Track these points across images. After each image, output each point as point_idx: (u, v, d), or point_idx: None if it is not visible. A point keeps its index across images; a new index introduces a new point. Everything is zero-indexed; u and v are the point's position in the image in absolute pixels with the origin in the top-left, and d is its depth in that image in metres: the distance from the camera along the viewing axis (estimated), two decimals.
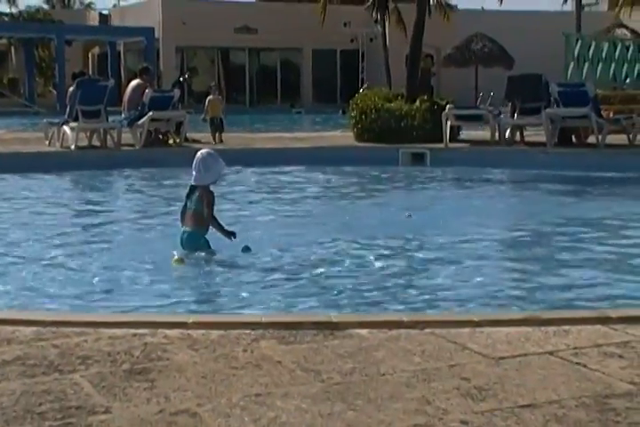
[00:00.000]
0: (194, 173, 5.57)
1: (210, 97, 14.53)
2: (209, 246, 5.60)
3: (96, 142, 13.01)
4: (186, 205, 5.67)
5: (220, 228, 5.67)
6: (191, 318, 3.41)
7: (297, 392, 2.65)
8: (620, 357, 3.00)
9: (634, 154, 11.87)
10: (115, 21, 37.63)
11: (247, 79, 36.62)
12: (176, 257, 5.24)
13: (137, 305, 4.43)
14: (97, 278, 5.04)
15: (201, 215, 5.53)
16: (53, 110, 24.71)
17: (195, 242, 5.55)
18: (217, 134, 13.92)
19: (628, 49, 18.01)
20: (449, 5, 30.81)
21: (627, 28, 29.15)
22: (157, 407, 2.53)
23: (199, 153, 5.62)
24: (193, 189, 5.62)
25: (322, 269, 5.31)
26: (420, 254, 5.96)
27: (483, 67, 28.34)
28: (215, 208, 5.70)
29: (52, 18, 37.75)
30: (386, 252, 5.95)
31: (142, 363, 2.92)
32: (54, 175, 11.02)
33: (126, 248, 6.02)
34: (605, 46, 17.30)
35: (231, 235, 5.67)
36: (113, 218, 7.76)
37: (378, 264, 5.52)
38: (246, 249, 5.61)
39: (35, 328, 3.30)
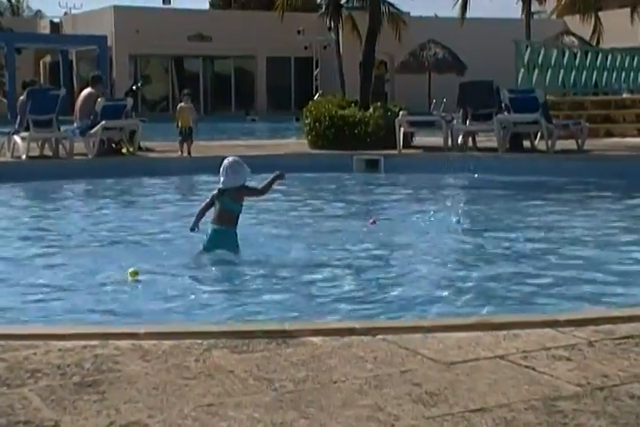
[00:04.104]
0: (222, 178, 5.98)
1: (181, 104, 13.41)
2: (237, 242, 5.97)
3: (48, 152, 12.85)
4: (212, 206, 6.00)
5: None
6: (142, 329, 3.38)
7: (249, 402, 2.65)
8: (568, 359, 3.05)
9: (582, 159, 12.09)
10: (66, 30, 37.23)
11: (201, 87, 36.49)
12: (131, 269, 5.21)
13: (89, 317, 4.39)
14: (47, 291, 4.97)
15: (234, 215, 5.98)
16: (4, 120, 24.30)
17: (231, 240, 5.92)
18: (184, 145, 12.90)
19: (575, 56, 18.36)
20: (400, 17, 31.05)
21: (574, 35, 29.71)
22: (108, 420, 2.50)
23: (226, 160, 6.06)
24: (222, 192, 6.00)
25: (277, 277, 5.32)
26: (375, 261, 6.00)
27: (436, 73, 28.65)
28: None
29: (2, 26, 37.21)
30: (341, 259, 5.97)
31: (93, 375, 2.89)
32: (5, 186, 10.85)
33: (78, 260, 5.95)
34: (554, 53, 17.61)
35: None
36: (65, 230, 7.67)
37: (332, 272, 5.53)
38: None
39: None
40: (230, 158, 6.05)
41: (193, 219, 6.05)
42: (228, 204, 5.96)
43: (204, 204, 6.09)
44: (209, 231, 5.98)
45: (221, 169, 5.97)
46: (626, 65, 19.61)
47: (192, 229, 6.03)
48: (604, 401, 2.64)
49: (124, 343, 3.23)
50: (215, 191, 6.04)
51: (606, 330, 3.40)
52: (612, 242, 6.71)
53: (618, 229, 7.37)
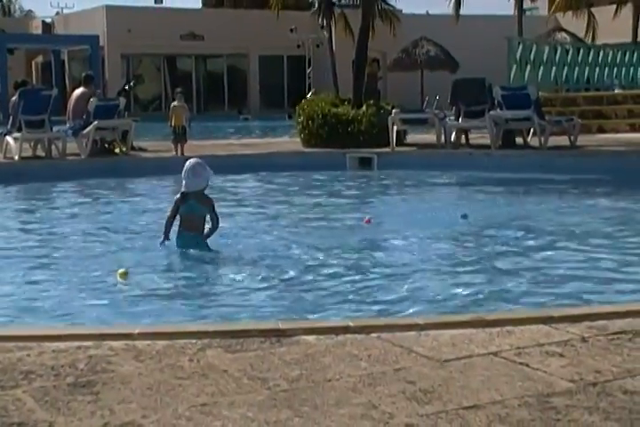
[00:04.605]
0: (184, 181, 5.88)
1: (174, 103, 13.40)
2: (209, 248, 5.91)
3: (40, 153, 12.83)
4: (177, 212, 5.93)
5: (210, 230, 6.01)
6: (137, 329, 3.38)
7: (243, 401, 2.65)
8: (561, 355, 3.06)
9: (575, 155, 12.11)
10: (58, 29, 37.12)
11: (194, 86, 36.41)
12: (121, 270, 5.21)
13: (82, 318, 4.39)
14: (40, 293, 4.97)
15: (202, 219, 5.90)
16: None
17: (200, 244, 5.86)
18: (178, 145, 12.88)
19: (567, 52, 18.39)
20: (394, 14, 31.02)
21: (566, 31, 29.74)
22: (102, 421, 2.50)
23: (188, 162, 5.97)
24: (185, 195, 5.91)
25: (271, 276, 5.33)
26: (368, 259, 6.01)
27: (428, 71, 28.64)
28: None
29: None
30: (335, 257, 5.98)
31: (87, 376, 2.89)
32: None
33: (69, 260, 5.94)
34: (546, 50, 17.64)
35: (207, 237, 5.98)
36: (57, 230, 7.65)
37: (326, 270, 5.54)
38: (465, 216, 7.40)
39: None
40: (192, 160, 5.98)
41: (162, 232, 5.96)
42: (197, 207, 5.87)
43: (169, 213, 5.96)
44: (178, 239, 5.89)
45: (183, 172, 5.87)
46: (617, 61, 19.66)
47: (162, 243, 5.92)
48: (597, 397, 2.65)
49: (117, 344, 3.23)
50: (178, 196, 5.93)
51: (600, 326, 3.41)
52: (606, 237, 6.73)
53: (611, 225, 7.39)
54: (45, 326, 4.14)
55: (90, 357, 3.09)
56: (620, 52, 19.81)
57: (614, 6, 28.27)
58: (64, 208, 9.51)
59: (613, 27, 25.94)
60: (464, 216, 7.60)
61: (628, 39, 24.55)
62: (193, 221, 5.89)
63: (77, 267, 5.65)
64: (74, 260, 5.96)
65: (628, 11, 25.97)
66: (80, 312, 4.53)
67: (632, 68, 20.32)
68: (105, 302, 4.74)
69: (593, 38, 28.82)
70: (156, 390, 2.74)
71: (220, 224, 6.11)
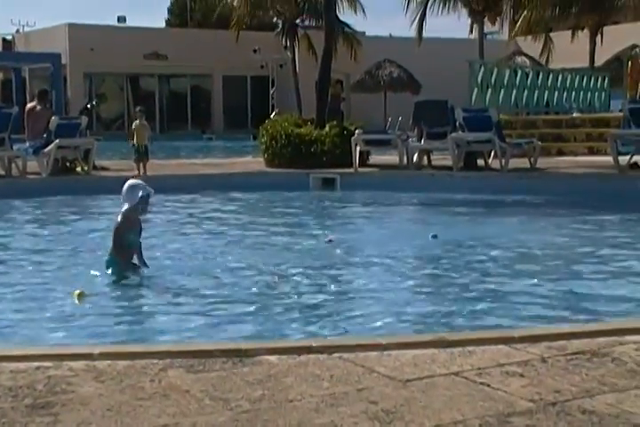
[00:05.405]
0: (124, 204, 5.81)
1: (136, 122, 13.52)
2: (117, 273, 5.72)
3: (0, 171, 12.68)
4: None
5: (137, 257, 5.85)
6: (97, 349, 3.35)
7: (205, 421, 2.63)
8: (522, 375, 3.09)
9: (535, 177, 12.28)
10: (19, 47, 36.85)
11: (157, 106, 36.35)
12: (77, 291, 5.15)
13: (42, 339, 4.33)
14: None
15: (121, 243, 5.75)
16: None
17: (108, 266, 5.77)
18: (141, 163, 13.03)
19: (527, 76, 18.70)
20: (355, 37, 31.36)
21: (526, 55, 30.25)
22: None
23: (125, 184, 5.83)
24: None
25: (233, 296, 5.31)
26: (331, 279, 6.01)
27: (391, 92, 28.92)
28: (137, 234, 5.85)
29: None
30: (298, 277, 5.98)
31: (45, 397, 2.85)
32: None
33: (25, 280, 5.85)
34: (507, 73, 17.91)
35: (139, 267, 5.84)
36: (13, 250, 7.54)
37: (287, 290, 5.54)
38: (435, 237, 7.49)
39: None
40: (127, 182, 5.83)
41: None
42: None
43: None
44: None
45: (121, 196, 5.78)
46: (575, 85, 20.04)
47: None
48: (557, 416, 2.68)
49: (77, 364, 3.19)
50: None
51: (559, 346, 3.45)
52: (564, 258, 6.82)
53: (570, 245, 7.48)
54: (3, 346, 4.07)
55: (49, 377, 3.05)
56: (577, 77, 20.20)
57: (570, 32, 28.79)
58: (22, 227, 9.40)
59: (572, 51, 26.44)
60: (434, 236, 7.63)
61: (586, 64, 25.03)
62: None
63: (33, 287, 5.58)
64: (29, 279, 5.88)
65: (584, 36, 26.49)
66: (37, 332, 4.47)
67: (589, 93, 20.73)
68: (61, 322, 4.67)
69: (547, 62, 29.30)
70: (117, 412, 2.71)
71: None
